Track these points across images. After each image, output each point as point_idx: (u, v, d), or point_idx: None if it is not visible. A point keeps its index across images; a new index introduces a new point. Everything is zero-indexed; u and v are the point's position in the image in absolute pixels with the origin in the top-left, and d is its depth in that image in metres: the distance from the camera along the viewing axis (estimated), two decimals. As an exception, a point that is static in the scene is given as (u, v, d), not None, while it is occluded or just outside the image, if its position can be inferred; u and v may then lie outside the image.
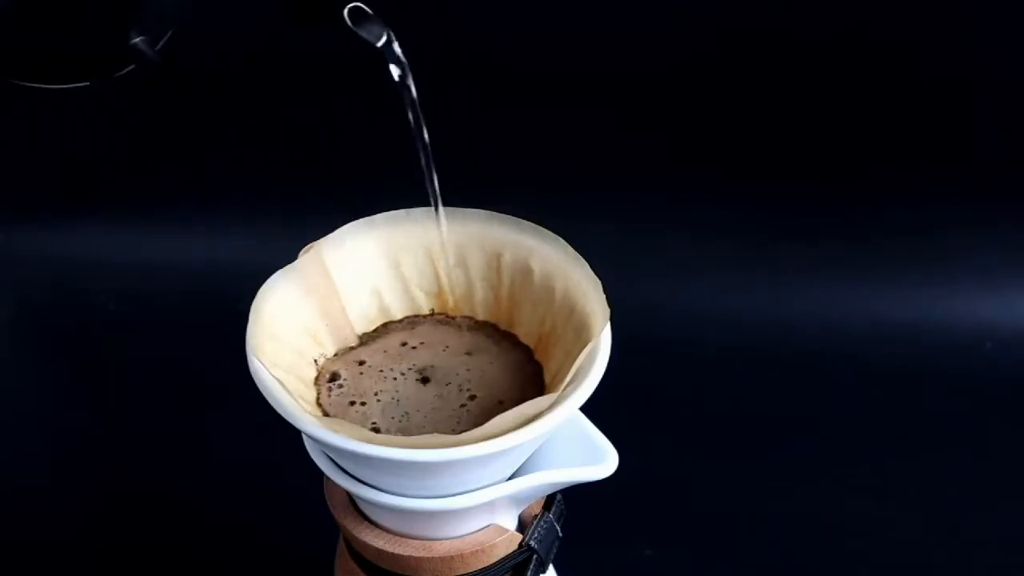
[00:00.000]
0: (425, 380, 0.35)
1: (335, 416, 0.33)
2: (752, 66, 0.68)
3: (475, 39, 0.68)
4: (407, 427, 0.33)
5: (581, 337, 0.33)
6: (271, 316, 0.33)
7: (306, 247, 0.36)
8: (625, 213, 0.73)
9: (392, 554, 0.34)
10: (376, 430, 0.33)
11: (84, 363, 0.70)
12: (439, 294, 0.38)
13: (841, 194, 0.71)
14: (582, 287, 0.34)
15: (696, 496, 0.59)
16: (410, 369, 0.35)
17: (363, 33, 0.32)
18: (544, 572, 0.36)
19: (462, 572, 0.34)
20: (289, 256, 0.35)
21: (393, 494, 0.32)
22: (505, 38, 0.68)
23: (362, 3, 0.31)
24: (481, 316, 0.37)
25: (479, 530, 0.34)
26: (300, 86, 0.71)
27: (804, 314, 0.70)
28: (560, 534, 0.36)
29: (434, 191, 0.35)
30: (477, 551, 0.34)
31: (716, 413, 0.64)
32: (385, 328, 0.37)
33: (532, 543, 0.35)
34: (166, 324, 0.73)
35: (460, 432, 0.30)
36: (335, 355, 0.36)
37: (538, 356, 0.36)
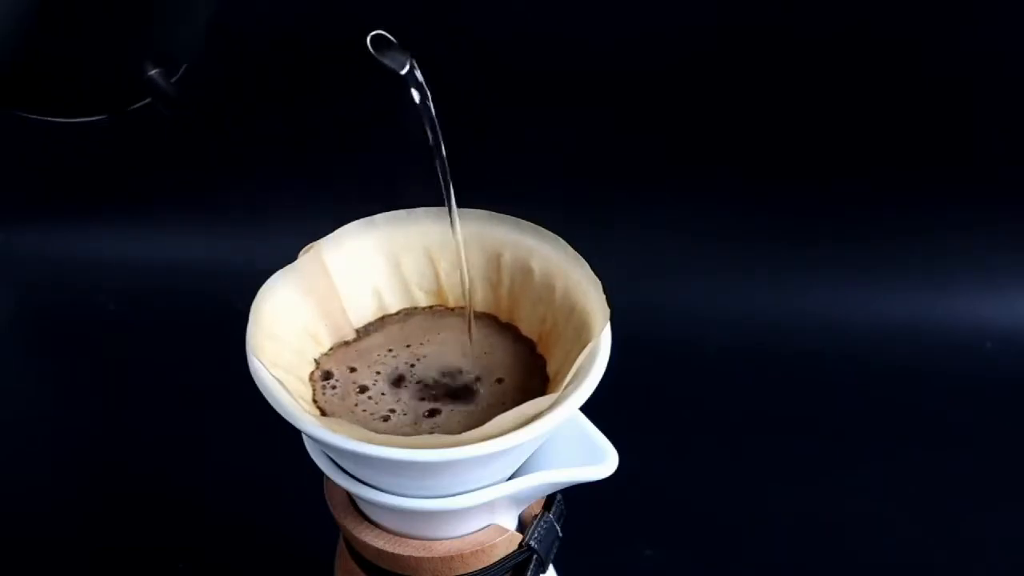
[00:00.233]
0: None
1: (332, 412, 0.33)
2: (752, 66, 0.68)
3: (475, 39, 0.68)
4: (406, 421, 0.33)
5: (581, 337, 0.33)
6: (271, 316, 0.33)
7: (306, 247, 0.36)
8: (625, 213, 0.73)
9: (392, 554, 0.34)
10: (386, 418, 0.33)
11: (84, 363, 0.70)
12: (439, 293, 0.38)
13: (841, 194, 0.71)
14: (582, 287, 0.34)
15: (696, 496, 0.59)
16: (406, 363, 0.35)
17: (386, 61, 0.32)
18: (544, 572, 0.36)
19: (462, 572, 0.34)
20: (289, 256, 0.35)
21: (393, 494, 0.32)
22: (505, 38, 0.68)
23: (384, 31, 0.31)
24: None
25: (479, 530, 0.34)
26: (300, 86, 0.71)
27: (804, 314, 0.70)
28: (560, 534, 0.36)
29: (450, 203, 0.34)
30: (477, 551, 0.34)
31: (716, 413, 0.64)
32: (381, 321, 0.37)
33: (532, 543, 0.35)
34: (166, 324, 0.73)
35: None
36: (330, 350, 0.36)
37: (540, 350, 0.36)
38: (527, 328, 0.36)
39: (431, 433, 0.32)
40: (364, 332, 0.37)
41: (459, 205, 0.37)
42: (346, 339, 0.36)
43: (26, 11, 0.34)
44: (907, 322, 0.70)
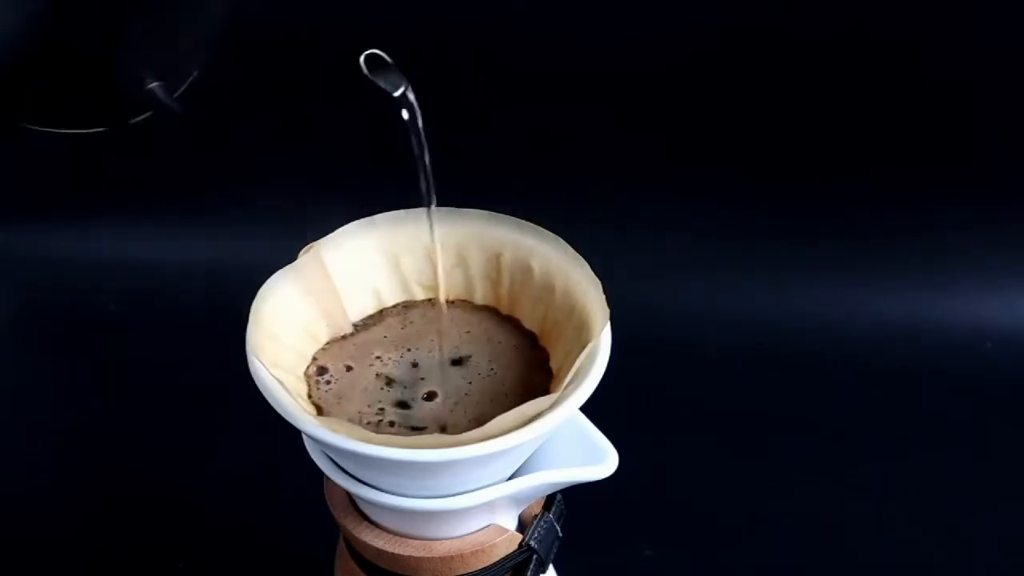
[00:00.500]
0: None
1: (328, 409, 0.33)
2: (752, 66, 0.68)
3: (475, 39, 0.68)
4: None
5: (581, 337, 0.33)
6: (271, 316, 0.33)
7: (306, 247, 0.36)
8: (625, 213, 0.73)
9: (392, 554, 0.34)
10: (381, 410, 0.33)
11: (84, 363, 0.70)
12: (437, 290, 0.38)
13: (841, 194, 0.71)
14: (582, 287, 0.34)
15: (696, 496, 0.59)
16: (402, 357, 0.35)
17: (380, 82, 0.32)
18: (544, 572, 0.36)
19: (462, 572, 0.34)
20: (289, 256, 0.35)
21: (393, 494, 0.32)
22: (505, 38, 0.68)
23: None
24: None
25: (479, 530, 0.34)
26: (301, 86, 0.71)
27: (804, 314, 0.70)
28: (560, 534, 0.36)
29: (430, 214, 0.34)
30: (477, 551, 0.34)
31: (716, 413, 0.64)
32: (380, 315, 0.37)
33: (532, 543, 0.35)
34: (166, 324, 0.73)
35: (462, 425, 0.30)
36: (326, 344, 0.36)
37: (542, 342, 0.36)
38: (528, 323, 0.36)
39: (430, 425, 0.32)
40: (362, 326, 0.37)
41: (459, 205, 0.37)
42: (343, 333, 0.36)
43: (28, 23, 0.34)
44: (907, 322, 0.70)
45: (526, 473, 0.33)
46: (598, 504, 0.44)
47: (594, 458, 0.34)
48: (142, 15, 0.37)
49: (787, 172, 0.71)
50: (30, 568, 0.56)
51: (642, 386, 0.63)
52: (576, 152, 0.72)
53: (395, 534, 0.34)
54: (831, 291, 0.71)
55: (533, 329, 0.36)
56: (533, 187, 0.66)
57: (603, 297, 0.33)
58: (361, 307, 0.37)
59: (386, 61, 0.31)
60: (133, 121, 0.38)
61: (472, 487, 0.32)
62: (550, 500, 0.36)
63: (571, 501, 0.37)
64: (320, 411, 0.33)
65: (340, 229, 0.37)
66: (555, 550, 0.36)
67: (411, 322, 0.37)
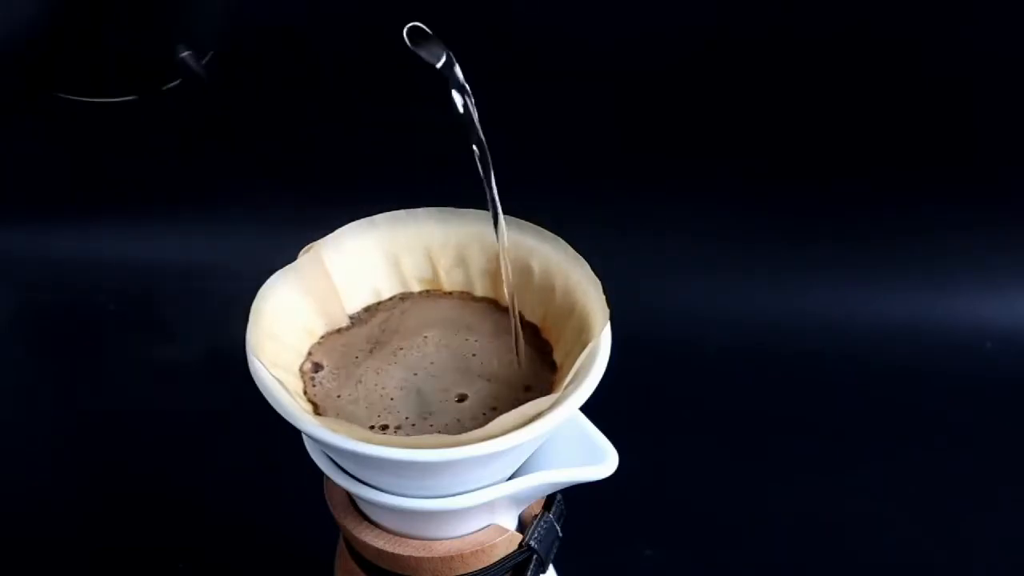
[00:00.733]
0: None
1: (324, 405, 0.33)
2: (752, 66, 0.68)
3: (475, 40, 0.68)
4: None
5: (581, 337, 0.33)
6: (271, 316, 0.33)
7: (306, 247, 0.36)
8: (625, 213, 0.73)
9: (392, 554, 0.34)
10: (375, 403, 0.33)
11: (84, 363, 0.70)
12: (435, 283, 0.38)
13: (841, 194, 0.71)
14: (582, 287, 0.34)
15: (696, 496, 0.59)
16: (400, 348, 0.35)
17: (423, 53, 0.32)
18: (544, 572, 0.36)
19: (462, 572, 0.34)
20: (289, 256, 0.35)
21: (393, 494, 0.32)
22: (505, 38, 0.68)
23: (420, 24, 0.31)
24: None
25: (479, 530, 0.34)
26: (301, 86, 0.71)
27: (804, 314, 0.70)
28: (560, 534, 0.36)
29: (495, 208, 0.34)
30: (477, 551, 0.34)
31: (716, 413, 0.64)
32: (376, 307, 0.37)
33: (532, 543, 0.35)
34: (166, 324, 0.73)
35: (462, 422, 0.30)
36: (322, 338, 0.36)
37: (545, 335, 0.36)
38: (529, 316, 0.36)
39: (429, 418, 0.32)
40: (357, 319, 0.36)
41: (458, 205, 0.37)
42: (339, 327, 0.36)
43: None
44: (907, 322, 0.70)
45: (526, 473, 0.33)
46: (598, 504, 0.44)
47: (594, 458, 0.34)
48: None
49: (787, 172, 0.71)
50: (30, 568, 0.56)
51: (642, 386, 0.63)
52: (576, 152, 0.72)
53: (395, 534, 0.34)
54: (831, 291, 0.71)
55: (535, 321, 0.36)
56: (533, 187, 0.66)
57: (603, 297, 0.33)
58: (361, 307, 0.37)
59: (428, 33, 0.31)
60: (164, 88, 0.38)
61: (472, 487, 0.32)
62: (550, 500, 0.36)
63: (571, 501, 0.37)
64: (316, 408, 0.33)
65: (340, 229, 0.37)
66: (555, 550, 0.36)
67: (406, 313, 0.36)
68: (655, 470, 0.58)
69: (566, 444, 0.34)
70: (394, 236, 0.37)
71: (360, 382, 0.34)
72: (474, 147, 0.32)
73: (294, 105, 0.72)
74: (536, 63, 0.69)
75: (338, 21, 0.68)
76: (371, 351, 0.35)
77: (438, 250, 0.37)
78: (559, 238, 0.35)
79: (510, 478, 0.33)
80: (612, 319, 0.32)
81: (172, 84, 0.38)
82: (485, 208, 0.37)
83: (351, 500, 0.35)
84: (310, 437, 0.30)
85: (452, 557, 0.34)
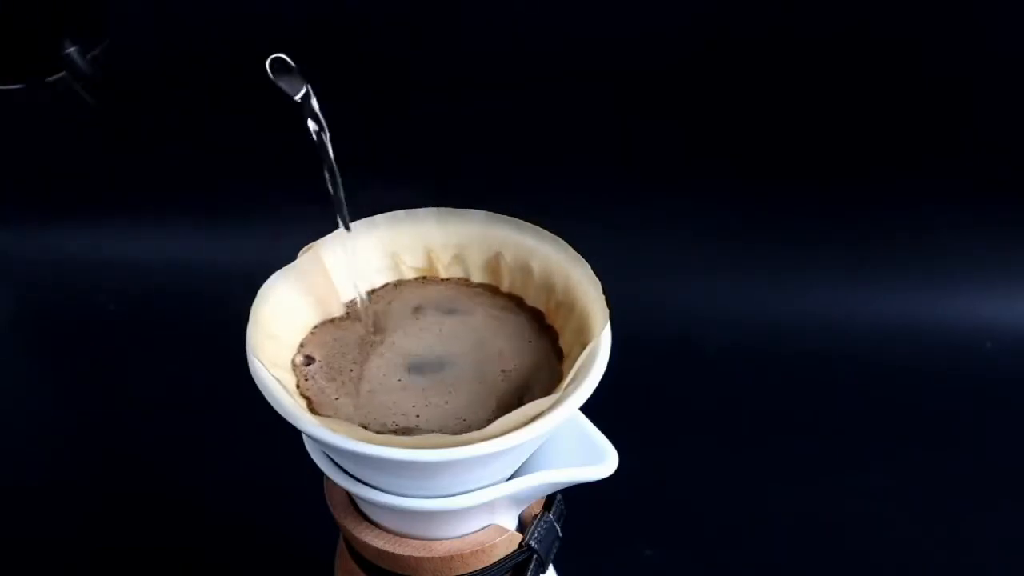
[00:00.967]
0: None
1: (317, 400, 0.33)
2: (752, 66, 0.68)
3: (475, 40, 0.68)
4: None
5: (581, 337, 0.33)
6: (271, 316, 0.33)
7: (306, 247, 0.36)
8: (625, 213, 0.73)
9: (392, 554, 0.34)
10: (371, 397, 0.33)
11: (84, 363, 0.70)
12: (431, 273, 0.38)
13: (841, 194, 0.71)
14: (582, 287, 0.34)
15: (696, 496, 0.59)
16: (397, 340, 0.35)
17: (282, 84, 0.32)
18: (544, 572, 0.36)
19: (462, 572, 0.34)
20: (289, 256, 0.35)
21: (393, 494, 0.32)
22: (505, 39, 0.68)
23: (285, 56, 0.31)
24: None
25: (479, 530, 0.34)
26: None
27: (804, 314, 0.70)
28: (560, 534, 0.36)
29: (345, 224, 0.35)
30: (477, 551, 0.34)
31: (716, 413, 0.64)
32: (371, 295, 0.37)
33: (532, 543, 0.35)
34: (166, 324, 0.73)
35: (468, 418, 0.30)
36: (314, 328, 0.35)
37: (549, 320, 0.36)
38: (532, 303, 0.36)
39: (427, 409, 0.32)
40: (351, 307, 0.36)
41: (458, 205, 0.37)
42: (332, 316, 0.36)
43: None
44: (907, 322, 0.70)
45: (526, 473, 0.33)
46: (598, 504, 0.44)
47: (594, 458, 0.34)
48: None
49: (787, 172, 0.71)
50: (30, 568, 0.56)
51: (642, 386, 0.63)
52: (576, 152, 0.72)
53: (395, 534, 0.34)
54: (831, 291, 0.71)
55: (538, 306, 0.36)
56: (533, 187, 0.66)
57: (603, 297, 0.33)
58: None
59: (289, 65, 0.31)
60: (48, 80, 0.38)
61: (472, 487, 0.32)
62: (550, 500, 0.36)
63: (571, 501, 0.37)
64: (310, 403, 0.33)
65: (340, 229, 0.37)
66: (555, 550, 0.36)
67: (400, 300, 0.36)
68: (655, 470, 0.58)
69: (566, 444, 0.34)
70: (394, 236, 0.37)
71: (352, 369, 0.34)
72: (326, 173, 0.32)
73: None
74: (536, 63, 0.69)
75: (339, 20, 0.68)
76: (362, 342, 0.35)
77: (438, 250, 0.37)
78: (559, 238, 0.35)
79: (510, 478, 0.33)
80: (612, 319, 0.32)
81: (57, 76, 0.37)
82: (486, 209, 0.37)
83: (351, 500, 0.35)
84: (310, 437, 0.30)
85: (452, 557, 0.34)
